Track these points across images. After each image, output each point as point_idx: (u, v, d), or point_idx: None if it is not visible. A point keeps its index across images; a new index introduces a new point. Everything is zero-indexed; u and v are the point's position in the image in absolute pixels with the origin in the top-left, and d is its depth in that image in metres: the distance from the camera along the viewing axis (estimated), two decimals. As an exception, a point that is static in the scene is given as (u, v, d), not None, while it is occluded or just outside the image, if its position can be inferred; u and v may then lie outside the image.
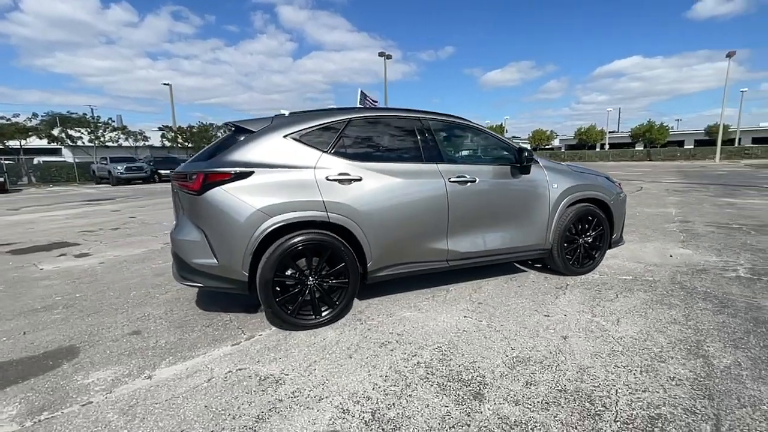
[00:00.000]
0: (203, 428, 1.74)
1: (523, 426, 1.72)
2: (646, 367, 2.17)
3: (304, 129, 2.78)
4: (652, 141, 51.48)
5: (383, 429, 1.73)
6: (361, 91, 9.61)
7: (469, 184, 3.13)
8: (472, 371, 2.17)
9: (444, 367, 2.22)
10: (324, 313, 2.76)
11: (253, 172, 2.58)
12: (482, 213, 3.23)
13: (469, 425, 1.74)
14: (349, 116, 2.94)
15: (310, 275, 2.70)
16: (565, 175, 3.63)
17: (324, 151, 2.78)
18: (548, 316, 2.88)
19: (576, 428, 1.70)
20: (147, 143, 29.86)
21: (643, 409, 1.82)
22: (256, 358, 2.37)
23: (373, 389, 2.03)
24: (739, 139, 51.30)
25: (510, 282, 3.65)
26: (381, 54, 36.47)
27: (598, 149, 55.25)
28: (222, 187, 2.53)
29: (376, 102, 10.14)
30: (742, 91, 49.20)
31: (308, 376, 2.17)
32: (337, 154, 2.81)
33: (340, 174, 2.75)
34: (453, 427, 1.73)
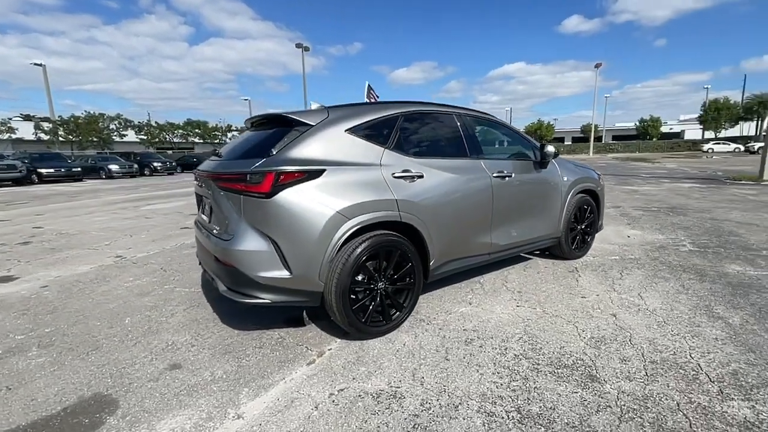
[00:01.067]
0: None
1: (652, 398, 1.89)
2: (692, 333, 2.54)
3: (364, 123, 2.58)
4: (541, 138, 59.10)
5: (539, 424, 1.74)
6: (368, 85, 9.03)
7: (506, 179, 3.25)
8: (569, 356, 2.29)
9: (541, 356, 2.30)
10: (393, 317, 2.62)
11: (324, 170, 2.31)
12: (516, 206, 3.39)
13: (609, 406, 1.85)
14: (403, 110, 2.81)
15: (379, 279, 2.53)
16: (570, 168, 4.00)
17: (385, 147, 2.62)
18: (585, 297, 3.17)
19: (691, 393, 1.93)
20: (14, 136, 24.05)
21: (721, 367, 2.14)
22: (347, 374, 2.16)
23: (498, 388, 2.01)
24: (603, 137, 62.03)
25: (528, 269, 3.90)
26: (299, 45, 35.21)
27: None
28: (295, 187, 2.22)
29: (378, 97, 9.66)
30: (606, 97, 59.32)
31: (422, 385, 2.05)
32: (396, 149, 2.67)
33: (404, 171, 2.63)
34: (598, 410, 1.82)
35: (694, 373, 2.10)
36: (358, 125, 2.55)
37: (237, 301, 2.33)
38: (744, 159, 27.06)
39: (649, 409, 1.81)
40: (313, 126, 2.42)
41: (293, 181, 2.22)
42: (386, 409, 1.87)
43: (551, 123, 61.58)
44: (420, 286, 2.75)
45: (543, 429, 1.70)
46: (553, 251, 4.16)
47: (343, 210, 2.30)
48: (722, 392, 1.92)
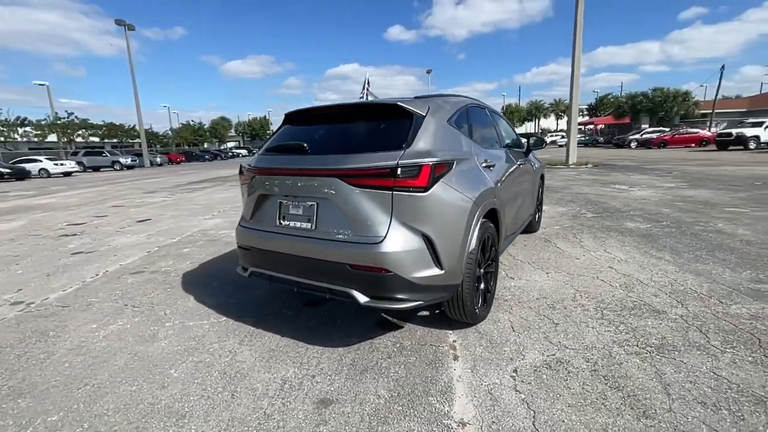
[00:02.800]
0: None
1: (692, 310, 2.64)
2: (656, 266, 3.55)
3: (454, 114, 2.59)
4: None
5: (666, 348, 2.24)
6: (367, 78, 7.76)
7: (521, 166, 3.73)
8: (622, 300, 2.92)
9: (610, 305, 2.85)
10: (488, 300, 2.76)
11: (455, 161, 2.26)
12: (522, 190, 3.91)
13: (684, 322, 2.50)
14: (466, 103, 2.92)
15: (482, 265, 2.63)
16: (535, 156, 4.79)
17: (470, 138, 2.70)
18: (579, 258, 3.95)
19: (695, 300, 2.77)
20: None
21: (685, 281, 3.11)
22: (502, 356, 2.24)
23: (616, 334, 2.44)
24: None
25: (516, 245, 4.53)
26: (119, 22, 28.88)
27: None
28: (443, 179, 2.12)
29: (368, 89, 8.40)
30: (435, 99, 68.97)
31: (567, 347, 2.31)
32: (473, 140, 2.78)
33: (485, 161, 2.77)
34: (685, 329, 2.44)
35: (682, 287, 3.00)
36: (452, 116, 2.56)
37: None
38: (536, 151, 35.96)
39: (696, 314, 2.54)
40: (425, 116, 2.31)
41: (442, 173, 2.12)
42: (570, 372, 2.06)
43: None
44: (498, 267, 2.96)
45: (671, 350, 2.21)
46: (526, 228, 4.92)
47: (476, 200, 2.32)
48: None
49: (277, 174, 2.38)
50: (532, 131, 68.02)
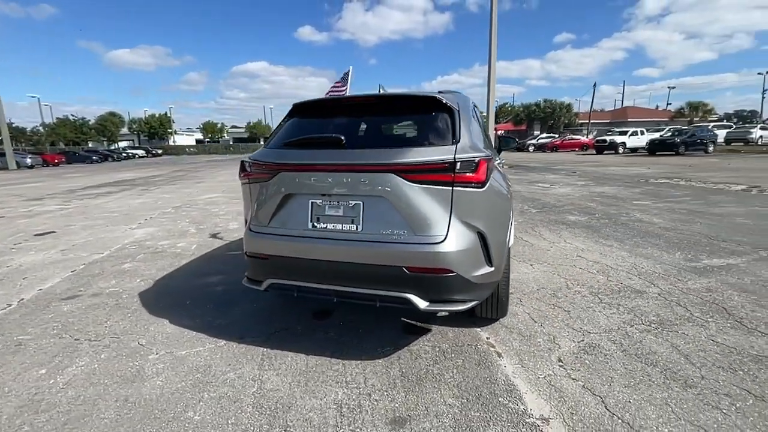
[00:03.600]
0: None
1: (656, 280, 3.06)
2: (609, 252, 4.05)
3: (473, 110, 2.57)
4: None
5: (666, 323, 2.54)
6: (351, 70, 6.49)
7: (503, 167, 3.90)
8: (609, 284, 3.23)
9: (603, 289, 3.13)
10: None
11: (492, 157, 2.23)
12: None
13: (664, 298, 2.87)
14: (470, 99, 2.92)
15: None
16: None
17: (484, 134, 2.72)
18: (548, 250, 4.28)
19: (640, 269, 3.23)
20: None
21: (629, 258, 3.61)
22: (548, 347, 2.29)
23: (620, 315, 2.69)
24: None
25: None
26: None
27: (262, 142, 61.32)
28: (492, 174, 2.06)
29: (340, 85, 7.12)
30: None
31: (591, 330, 2.46)
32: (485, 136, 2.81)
33: (498, 158, 2.82)
34: (668, 304, 2.80)
35: (644, 270, 3.47)
36: (473, 112, 2.54)
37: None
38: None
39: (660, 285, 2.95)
40: (459, 111, 2.25)
41: (492, 168, 2.07)
42: (606, 355, 2.20)
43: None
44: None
45: (670, 324, 2.51)
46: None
47: (509, 194, 2.33)
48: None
49: (311, 170, 2.10)
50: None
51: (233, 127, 75.65)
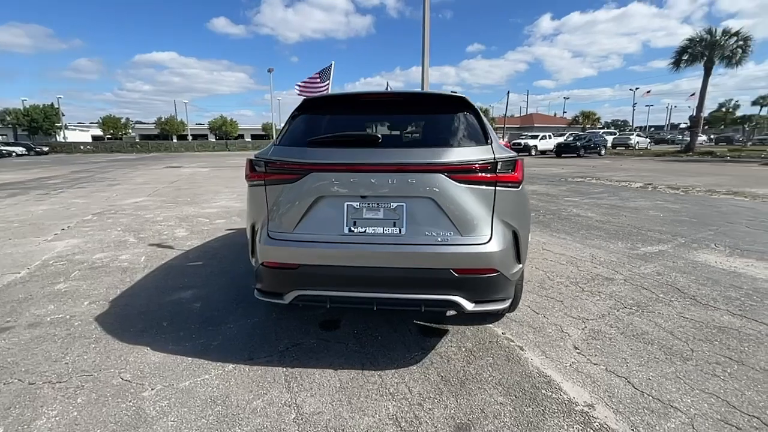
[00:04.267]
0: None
1: (623, 263, 3.47)
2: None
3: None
4: (227, 134, 58.97)
5: (643, 309, 2.88)
6: (333, 65, 5.31)
7: None
8: (598, 274, 3.56)
9: (596, 281, 3.43)
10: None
11: None
12: None
13: (638, 279, 3.25)
14: None
15: None
16: None
17: None
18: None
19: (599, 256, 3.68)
20: None
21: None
22: (569, 340, 2.43)
23: (620, 300, 2.97)
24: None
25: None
26: None
27: (175, 140, 55.49)
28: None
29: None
30: (278, 100, 66.52)
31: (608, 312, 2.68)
32: None
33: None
34: (641, 289, 3.18)
35: (602, 259, 3.92)
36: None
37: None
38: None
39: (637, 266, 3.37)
40: (477, 110, 2.27)
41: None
42: (610, 339, 2.41)
43: (235, 120, 62.37)
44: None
45: (646, 305, 2.85)
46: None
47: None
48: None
49: (350, 170, 1.94)
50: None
51: (138, 122, 67.57)
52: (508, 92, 51.40)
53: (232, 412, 1.78)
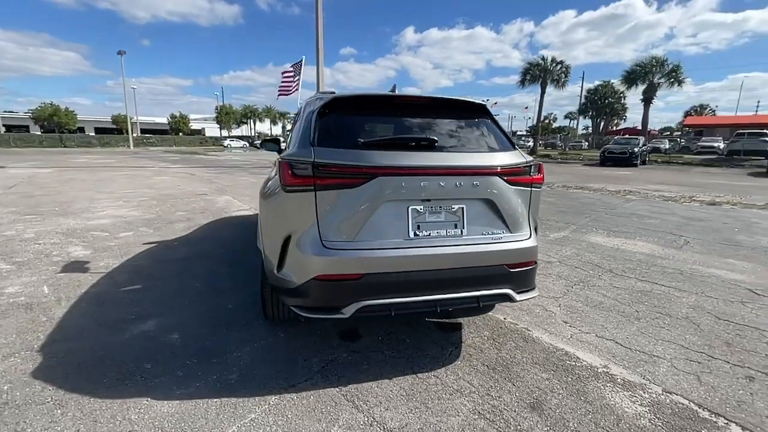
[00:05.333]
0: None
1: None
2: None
3: None
4: (61, 126, 47.41)
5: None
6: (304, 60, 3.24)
7: None
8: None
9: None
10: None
11: None
12: None
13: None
14: None
15: None
16: None
17: None
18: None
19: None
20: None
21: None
22: (587, 326, 2.82)
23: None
24: (132, 129, 59.40)
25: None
26: None
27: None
28: None
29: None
30: (132, 88, 56.42)
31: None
32: None
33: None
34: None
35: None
36: None
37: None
38: (256, 152, 37.04)
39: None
40: (494, 117, 2.46)
41: (535, 170, 2.37)
42: (598, 305, 2.92)
43: (71, 110, 50.41)
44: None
45: (588, 282, 3.54)
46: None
47: None
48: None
49: (414, 174, 1.90)
50: (248, 134, 68.64)
51: None
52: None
53: (315, 446, 1.59)
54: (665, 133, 54.30)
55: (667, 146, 30.46)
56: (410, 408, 1.83)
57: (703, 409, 1.86)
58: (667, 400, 1.92)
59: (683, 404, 1.89)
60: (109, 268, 3.60)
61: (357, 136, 2.03)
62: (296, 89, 3.59)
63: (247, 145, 52.15)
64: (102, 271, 3.52)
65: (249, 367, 2.13)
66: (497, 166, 2.07)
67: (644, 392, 1.99)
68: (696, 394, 1.97)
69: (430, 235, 1.95)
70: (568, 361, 2.25)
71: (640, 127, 34.70)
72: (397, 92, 2.38)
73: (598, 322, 2.74)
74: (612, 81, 43.48)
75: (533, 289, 2.27)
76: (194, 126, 69.90)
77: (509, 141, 2.30)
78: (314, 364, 2.17)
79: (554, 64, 29.14)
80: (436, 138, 2.02)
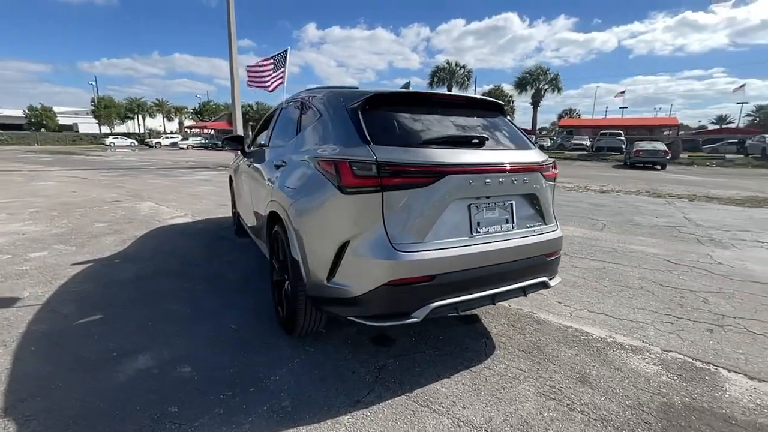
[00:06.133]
0: None
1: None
2: None
3: None
4: None
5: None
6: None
7: None
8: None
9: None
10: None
11: None
12: None
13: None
14: None
15: None
16: None
17: None
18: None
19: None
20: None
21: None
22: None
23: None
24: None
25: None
26: None
27: None
28: None
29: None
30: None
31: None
32: None
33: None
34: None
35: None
36: None
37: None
38: (151, 152, 33.02)
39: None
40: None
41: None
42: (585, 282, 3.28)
43: None
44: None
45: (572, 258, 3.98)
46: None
47: None
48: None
49: (476, 172, 1.92)
50: (135, 131, 60.08)
51: None
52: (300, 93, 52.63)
53: (420, 458, 1.52)
54: (543, 133, 63.25)
55: (549, 144, 35.53)
56: (484, 402, 1.86)
57: (696, 360, 2.27)
58: (669, 358, 2.29)
59: (681, 359, 2.28)
60: (41, 299, 2.85)
61: (408, 134, 1.98)
62: (280, 82, 3.21)
63: (135, 143, 45.59)
64: (33, 304, 2.78)
65: (298, 389, 1.92)
66: (541, 163, 2.22)
67: (650, 354, 2.33)
68: (685, 350, 2.38)
69: (488, 231, 2.00)
70: (581, 336, 2.52)
71: (527, 128, 39.80)
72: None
73: (583, 299, 3.11)
74: (502, 85, 48.90)
75: (557, 274, 2.49)
76: (62, 121, 58.26)
77: (527, 137, 2.47)
78: (365, 375, 2.05)
79: (458, 68, 31.68)
80: (486, 136, 2.08)
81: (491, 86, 55.91)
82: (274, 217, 2.48)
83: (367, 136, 1.87)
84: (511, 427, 1.71)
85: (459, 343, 2.41)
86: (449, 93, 2.40)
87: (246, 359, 2.16)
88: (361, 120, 1.95)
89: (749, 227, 5.85)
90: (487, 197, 2.01)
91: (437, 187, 1.83)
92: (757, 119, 56.27)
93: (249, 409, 1.77)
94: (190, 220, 5.62)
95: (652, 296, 3.19)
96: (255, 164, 3.25)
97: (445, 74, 31.75)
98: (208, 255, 4.00)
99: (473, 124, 2.25)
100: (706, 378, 2.11)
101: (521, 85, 31.05)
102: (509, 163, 2.05)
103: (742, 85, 43.91)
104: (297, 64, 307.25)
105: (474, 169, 1.93)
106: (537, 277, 2.21)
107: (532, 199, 2.21)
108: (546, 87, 30.90)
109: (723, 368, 2.19)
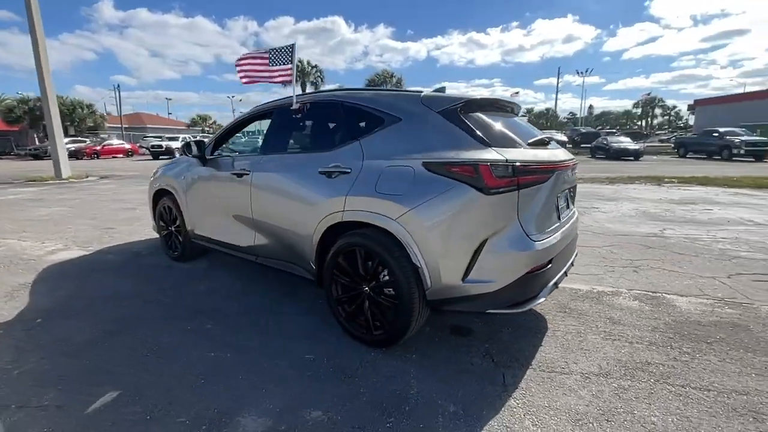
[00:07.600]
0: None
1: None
2: None
3: None
4: None
5: None
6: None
7: None
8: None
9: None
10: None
11: None
12: None
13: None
14: None
15: None
16: None
17: None
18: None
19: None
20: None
21: None
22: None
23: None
24: None
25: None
26: None
27: None
28: None
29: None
30: None
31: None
32: None
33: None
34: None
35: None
36: None
37: None
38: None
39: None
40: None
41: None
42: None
43: None
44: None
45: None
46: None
47: None
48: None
49: (563, 168, 2.30)
50: None
51: None
52: (119, 85, 42.70)
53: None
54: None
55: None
56: (583, 355, 2.27)
57: (649, 292, 3.22)
58: (635, 294, 3.19)
59: (642, 293, 3.20)
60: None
61: (505, 136, 2.17)
62: (288, 78, 2.52)
63: None
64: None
65: (448, 392, 1.92)
66: (572, 161, 2.71)
67: (625, 293, 3.18)
68: (639, 287, 3.33)
69: (564, 217, 2.41)
70: (579, 293, 3.21)
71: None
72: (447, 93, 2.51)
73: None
74: (344, 86, 51.01)
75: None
76: None
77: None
78: (482, 362, 2.19)
79: (311, 68, 31.73)
80: (542, 138, 2.45)
81: (337, 85, 57.95)
82: (347, 227, 2.29)
83: (485, 139, 2.00)
84: (619, 362, 2.17)
85: (516, 320, 2.74)
86: (509, 99, 2.65)
87: (365, 385, 2.00)
88: (469, 124, 2.05)
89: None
90: (563, 190, 2.42)
91: (551, 182, 2.14)
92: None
93: (426, 428, 1.70)
94: (86, 252, 4.23)
95: (582, 255, 4.22)
96: (272, 173, 2.80)
97: (298, 73, 31.33)
98: (172, 286, 3.20)
99: (525, 125, 2.61)
100: (664, 302, 3.04)
101: (371, 85, 33.50)
102: (569, 160, 2.51)
103: (517, 92, 57.72)
104: (90, 48, 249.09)
105: (564, 165, 2.32)
106: (573, 256, 2.76)
107: (574, 189, 2.73)
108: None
109: (665, 293, 3.19)
